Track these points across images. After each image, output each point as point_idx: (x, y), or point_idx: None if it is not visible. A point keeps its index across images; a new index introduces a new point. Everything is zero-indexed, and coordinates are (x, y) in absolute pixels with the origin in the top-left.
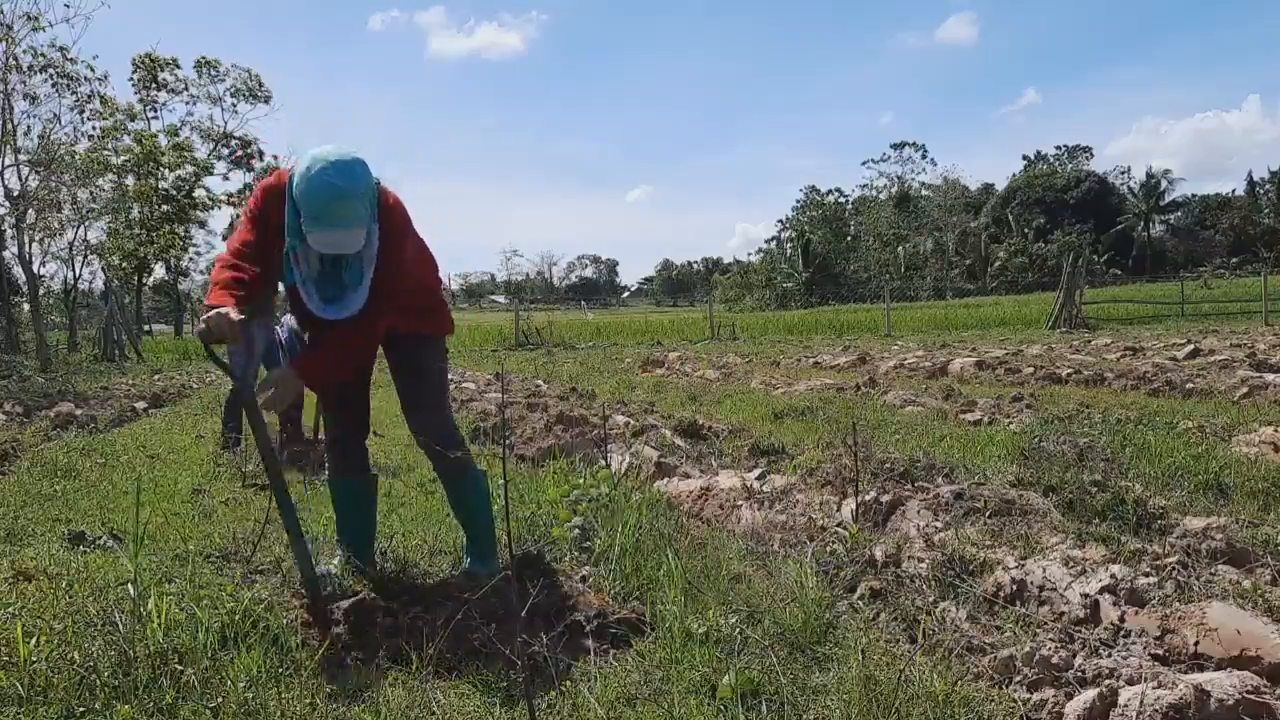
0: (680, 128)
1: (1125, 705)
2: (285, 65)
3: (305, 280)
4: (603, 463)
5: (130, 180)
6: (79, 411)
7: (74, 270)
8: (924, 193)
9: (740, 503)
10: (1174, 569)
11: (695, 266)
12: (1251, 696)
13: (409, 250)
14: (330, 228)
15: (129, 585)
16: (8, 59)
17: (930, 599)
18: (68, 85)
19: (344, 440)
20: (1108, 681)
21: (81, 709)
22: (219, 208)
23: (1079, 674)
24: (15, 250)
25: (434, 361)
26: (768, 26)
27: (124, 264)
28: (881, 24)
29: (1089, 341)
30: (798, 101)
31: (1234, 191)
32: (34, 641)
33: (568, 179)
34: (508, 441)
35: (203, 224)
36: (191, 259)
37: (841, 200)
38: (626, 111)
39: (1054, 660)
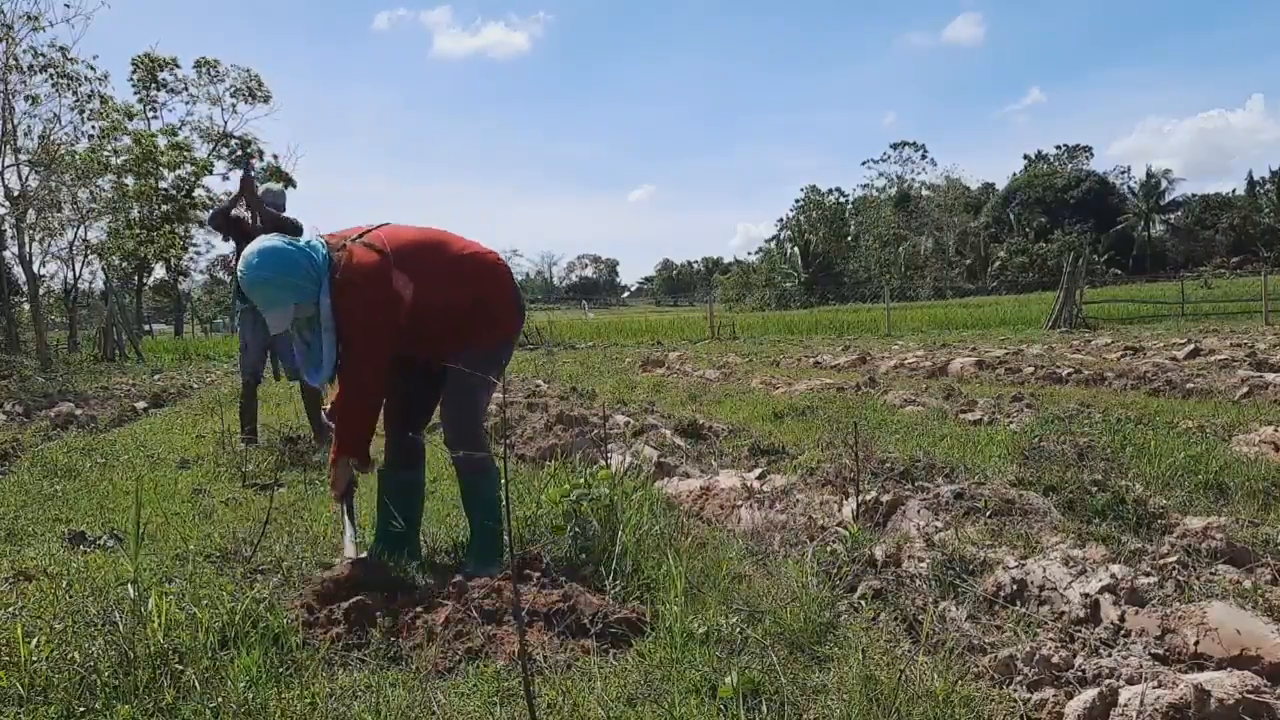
0: (681, 128)
1: (1125, 705)
2: (286, 65)
3: (296, 350)
4: (603, 462)
5: (130, 180)
6: (79, 411)
7: (74, 270)
8: (924, 192)
9: (740, 502)
10: (1174, 569)
11: (695, 266)
12: (1252, 696)
13: (380, 309)
14: (260, 309)
15: (129, 585)
16: (8, 59)
17: (930, 599)
18: (68, 85)
19: (395, 434)
20: (1108, 681)
21: (82, 709)
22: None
23: (1079, 674)
24: (15, 250)
25: (456, 367)
26: (769, 26)
27: (124, 264)
28: (887, 25)
29: (1089, 341)
30: (799, 101)
31: (1234, 191)
32: (34, 641)
33: (569, 179)
34: (508, 441)
35: (203, 224)
36: (191, 259)
37: (842, 200)
38: (628, 111)
39: (1054, 660)
